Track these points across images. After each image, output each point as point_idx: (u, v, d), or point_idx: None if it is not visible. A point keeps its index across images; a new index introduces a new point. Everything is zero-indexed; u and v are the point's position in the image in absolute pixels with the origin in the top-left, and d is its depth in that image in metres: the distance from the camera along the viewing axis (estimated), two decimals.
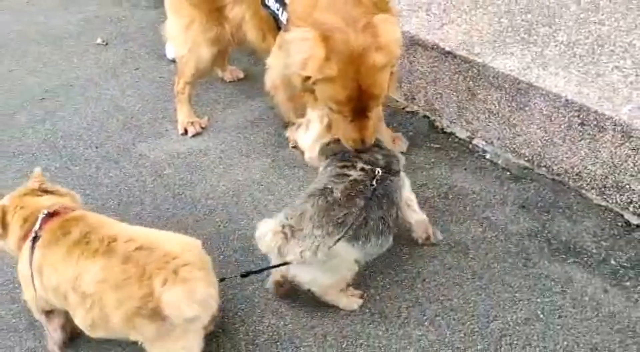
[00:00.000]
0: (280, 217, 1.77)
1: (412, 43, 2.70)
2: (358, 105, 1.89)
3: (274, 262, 1.81)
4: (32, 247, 1.68)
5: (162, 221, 2.35)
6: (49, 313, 1.78)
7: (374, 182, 1.83)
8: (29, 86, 3.24)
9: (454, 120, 2.69)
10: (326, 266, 1.78)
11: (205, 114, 2.91)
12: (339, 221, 1.74)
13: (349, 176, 1.85)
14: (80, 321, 1.64)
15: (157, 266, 1.53)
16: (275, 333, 1.90)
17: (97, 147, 2.77)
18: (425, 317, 1.90)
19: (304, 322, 1.93)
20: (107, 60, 3.42)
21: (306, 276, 1.82)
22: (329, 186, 1.81)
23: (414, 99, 2.84)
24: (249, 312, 1.97)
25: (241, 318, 1.95)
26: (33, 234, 1.69)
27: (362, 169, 1.87)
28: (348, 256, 1.81)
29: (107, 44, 3.60)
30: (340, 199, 1.77)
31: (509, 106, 2.43)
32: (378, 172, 1.86)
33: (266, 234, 1.74)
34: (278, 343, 1.87)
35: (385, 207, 1.84)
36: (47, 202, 1.78)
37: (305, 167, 2.54)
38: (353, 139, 1.94)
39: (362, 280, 2.04)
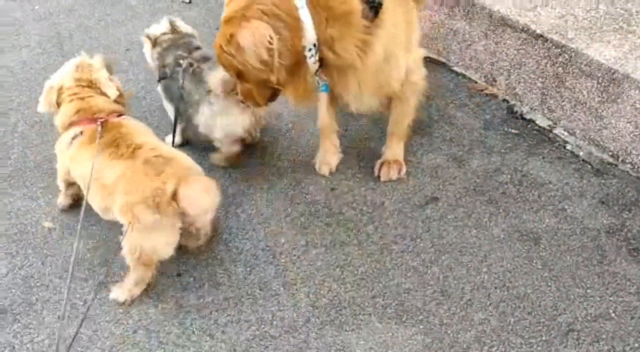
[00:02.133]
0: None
1: (501, 24, 2.60)
2: None
3: None
4: (73, 139, 1.97)
5: (232, 176, 2.40)
6: (68, 184, 2.11)
7: None
8: (116, 37, 3.34)
9: (536, 107, 2.59)
10: None
11: None
12: None
13: None
14: (97, 205, 1.92)
15: (172, 171, 1.80)
16: (335, 298, 1.92)
17: None
18: (489, 302, 1.87)
19: (365, 291, 1.93)
20: (189, 17, 3.46)
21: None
22: None
23: (495, 81, 2.75)
24: (311, 275, 1.99)
25: (303, 280, 1.98)
26: (76, 133, 1.97)
27: None
28: None
29: (190, 2, 3.65)
30: None
31: (599, 97, 2.32)
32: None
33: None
34: (338, 308, 1.89)
35: None
36: (100, 105, 2.02)
37: (380, 139, 2.53)
38: None
39: (426, 257, 2.02)
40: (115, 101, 2.09)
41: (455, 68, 2.91)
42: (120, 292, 1.92)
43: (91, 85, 2.07)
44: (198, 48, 2.39)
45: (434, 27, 2.95)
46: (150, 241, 1.82)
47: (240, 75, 1.91)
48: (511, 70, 2.64)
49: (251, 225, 2.18)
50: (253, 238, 2.13)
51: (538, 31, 2.46)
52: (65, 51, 3.25)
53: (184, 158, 1.93)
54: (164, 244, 1.85)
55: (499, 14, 2.59)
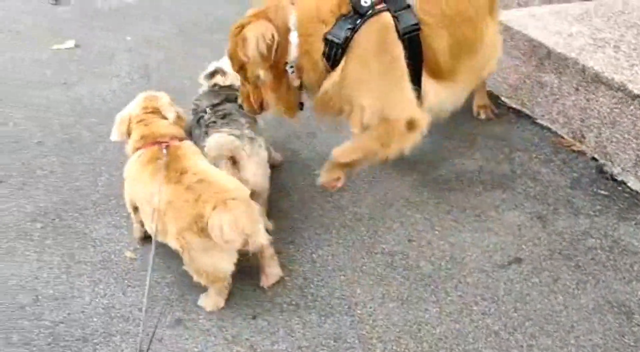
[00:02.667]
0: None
1: (594, 80, 2.51)
2: None
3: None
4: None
5: (309, 219, 2.39)
6: (135, 209, 2.15)
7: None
8: (200, 69, 3.44)
9: (628, 169, 2.47)
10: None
11: None
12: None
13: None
14: (148, 227, 2.03)
15: (210, 195, 1.86)
16: None
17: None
18: None
19: None
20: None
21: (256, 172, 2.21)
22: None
23: (584, 138, 2.65)
24: (387, 330, 1.93)
25: (379, 334, 1.92)
26: (140, 152, 2.11)
27: None
28: None
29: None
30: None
31: None
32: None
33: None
34: None
35: None
36: (162, 130, 2.16)
37: (460, 190, 2.48)
38: None
39: (509, 322, 1.94)
40: (177, 124, 2.24)
41: (540, 121, 2.83)
42: (206, 301, 2.03)
43: (155, 111, 2.23)
44: (231, 100, 2.40)
45: (520, 78, 2.89)
46: (208, 261, 1.93)
47: (241, 69, 2.20)
48: (602, 128, 2.54)
49: (327, 272, 2.16)
50: (328, 285, 2.11)
51: (635, 91, 2.36)
52: (152, 82, 3.39)
53: (225, 180, 1.99)
54: (224, 261, 1.94)
55: (593, 71, 2.51)
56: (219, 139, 2.14)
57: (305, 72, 2.17)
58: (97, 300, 2.07)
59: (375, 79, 2.15)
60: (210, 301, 2.02)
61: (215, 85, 2.49)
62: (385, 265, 2.17)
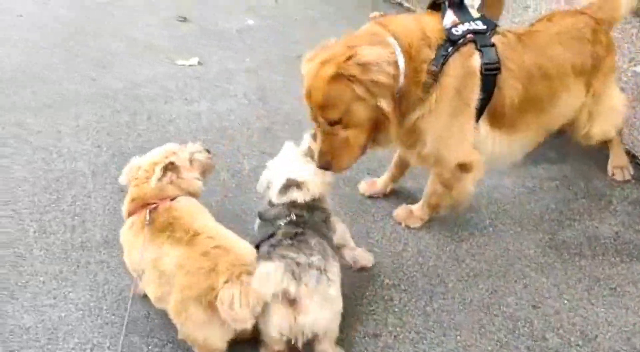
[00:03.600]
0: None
1: None
2: (312, 110, 1.99)
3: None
4: (129, 228, 1.96)
5: (423, 268, 2.26)
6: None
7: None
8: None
9: None
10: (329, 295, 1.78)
11: None
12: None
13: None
14: (151, 292, 1.87)
15: (226, 266, 1.72)
16: None
17: (368, 174, 2.80)
18: None
19: None
20: None
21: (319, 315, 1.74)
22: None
23: None
24: None
25: None
26: (130, 220, 1.96)
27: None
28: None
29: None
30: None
31: None
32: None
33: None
34: None
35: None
36: (152, 191, 1.96)
37: (593, 257, 2.26)
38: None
39: None
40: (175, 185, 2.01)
41: None
42: None
43: (170, 168, 2.01)
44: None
45: None
46: (201, 335, 1.79)
47: (344, 115, 1.94)
48: None
49: (441, 329, 2.01)
50: (442, 344, 1.95)
51: None
52: (267, 105, 3.41)
53: (242, 249, 1.82)
54: (217, 337, 1.80)
55: None
56: (268, 273, 1.71)
57: (406, 97, 2.03)
58: None
59: (444, 119, 2.11)
60: None
61: (294, 202, 1.94)
62: (507, 331, 2.00)
